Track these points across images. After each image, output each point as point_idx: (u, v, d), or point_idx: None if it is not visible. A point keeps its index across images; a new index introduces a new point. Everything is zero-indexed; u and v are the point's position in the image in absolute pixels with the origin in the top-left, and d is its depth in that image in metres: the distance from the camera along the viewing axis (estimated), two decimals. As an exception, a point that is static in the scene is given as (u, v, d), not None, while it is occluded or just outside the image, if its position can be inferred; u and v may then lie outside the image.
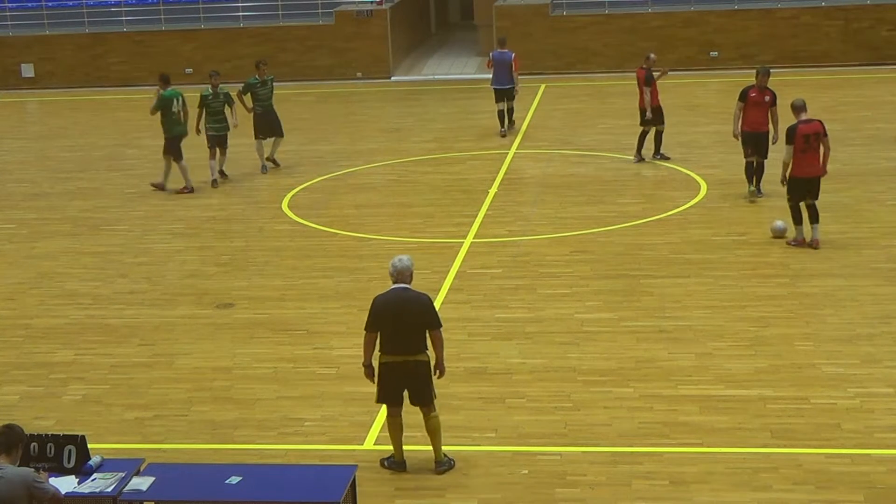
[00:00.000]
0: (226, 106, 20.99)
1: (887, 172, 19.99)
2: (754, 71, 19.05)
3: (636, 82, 21.17)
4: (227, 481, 9.31)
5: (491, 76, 23.98)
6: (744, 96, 18.55)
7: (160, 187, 20.86)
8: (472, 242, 17.30)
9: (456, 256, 16.69)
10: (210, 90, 20.92)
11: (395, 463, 10.85)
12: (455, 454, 11.02)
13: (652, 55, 21.28)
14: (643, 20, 30.52)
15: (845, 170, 20.18)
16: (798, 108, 16.31)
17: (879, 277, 15.13)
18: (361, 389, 12.48)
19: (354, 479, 9.49)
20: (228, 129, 21.07)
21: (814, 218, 16.22)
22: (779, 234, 16.74)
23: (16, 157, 24.34)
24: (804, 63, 29.79)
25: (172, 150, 20.64)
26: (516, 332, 13.83)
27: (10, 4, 32.82)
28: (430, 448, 10.86)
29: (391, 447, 11.08)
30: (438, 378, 10.67)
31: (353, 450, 11.25)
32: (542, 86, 28.85)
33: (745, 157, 18.78)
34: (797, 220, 16.31)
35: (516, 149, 22.71)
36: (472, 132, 24.46)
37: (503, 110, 23.90)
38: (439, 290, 15.34)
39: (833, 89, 27.26)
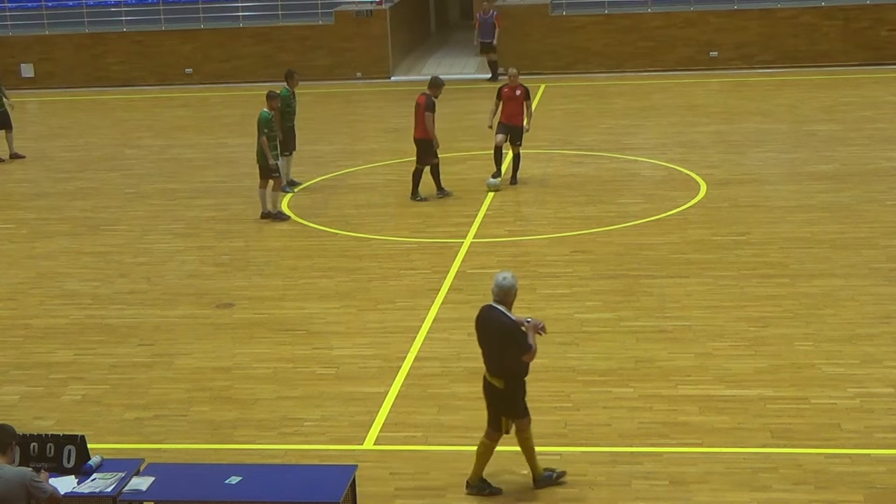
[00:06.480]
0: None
1: (887, 172, 19.98)
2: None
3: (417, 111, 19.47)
4: (226, 481, 9.31)
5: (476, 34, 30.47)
6: (499, 94, 20.07)
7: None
8: (471, 242, 17.30)
9: (456, 256, 16.69)
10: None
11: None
12: (455, 454, 11.04)
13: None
14: (643, 20, 30.52)
15: (845, 170, 20.20)
16: None
17: (879, 277, 15.13)
18: (361, 389, 12.53)
19: (354, 479, 9.49)
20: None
21: None
22: (493, 188, 19.67)
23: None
24: (804, 63, 29.79)
25: None
26: (516, 332, 13.80)
27: (10, 4, 32.82)
28: (430, 448, 10.84)
29: (391, 447, 11.12)
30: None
31: (353, 450, 11.25)
32: (542, 86, 28.84)
33: (497, 143, 19.98)
34: None
35: (516, 149, 22.67)
36: (472, 132, 24.45)
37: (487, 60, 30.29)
38: (439, 290, 15.36)
39: (833, 89, 27.26)
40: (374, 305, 15.00)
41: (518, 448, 10.42)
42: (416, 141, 19.47)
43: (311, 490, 9.21)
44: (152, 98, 30.39)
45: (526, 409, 10.25)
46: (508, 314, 10.01)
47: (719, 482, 10.39)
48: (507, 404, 10.14)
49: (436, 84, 19.46)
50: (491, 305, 10.10)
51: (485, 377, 10.24)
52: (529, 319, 10.08)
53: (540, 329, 10.05)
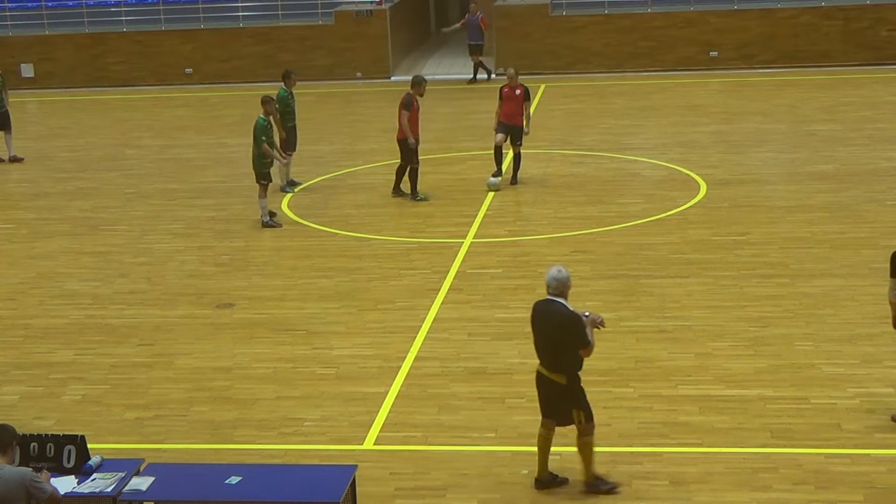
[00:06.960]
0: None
1: (887, 172, 19.98)
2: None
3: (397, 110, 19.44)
4: (226, 481, 9.30)
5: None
6: (500, 94, 20.17)
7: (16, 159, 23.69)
8: (471, 242, 17.30)
9: (456, 256, 16.69)
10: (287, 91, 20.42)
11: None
12: (455, 454, 11.03)
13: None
14: (643, 20, 30.52)
15: (845, 170, 20.20)
16: None
17: (879, 277, 15.07)
18: (361, 389, 12.52)
19: (354, 479, 9.49)
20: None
21: None
22: (493, 188, 19.64)
23: (16, 157, 24.33)
24: (804, 63, 29.79)
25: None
26: (516, 332, 13.80)
27: (10, 4, 32.82)
28: (430, 448, 10.84)
29: (391, 447, 11.11)
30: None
31: (353, 450, 11.24)
32: (542, 86, 28.85)
33: (497, 143, 20.13)
34: None
35: (516, 149, 22.68)
36: (472, 132, 24.46)
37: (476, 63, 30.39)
38: (439, 290, 15.35)
39: (833, 89, 27.26)
40: (374, 305, 15.00)
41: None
42: (398, 141, 19.51)
43: (311, 490, 9.21)
44: (152, 98, 30.39)
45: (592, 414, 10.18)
46: (569, 306, 9.97)
47: (719, 482, 10.39)
48: (576, 399, 10.06)
49: (416, 82, 19.48)
50: (549, 299, 10.02)
51: (539, 372, 10.16)
52: (587, 314, 10.07)
53: (599, 323, 10.04)
